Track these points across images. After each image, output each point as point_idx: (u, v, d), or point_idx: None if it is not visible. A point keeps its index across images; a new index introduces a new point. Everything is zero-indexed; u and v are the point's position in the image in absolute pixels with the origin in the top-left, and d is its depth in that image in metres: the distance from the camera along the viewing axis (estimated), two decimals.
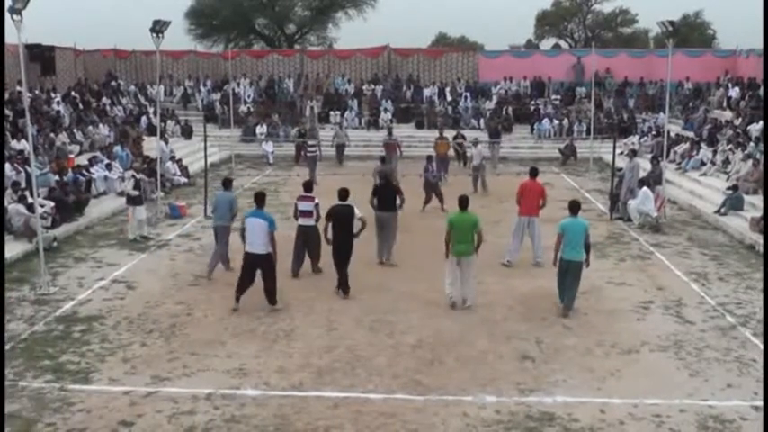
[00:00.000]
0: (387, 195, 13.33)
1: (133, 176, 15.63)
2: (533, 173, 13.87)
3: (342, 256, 11.49)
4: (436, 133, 24.88)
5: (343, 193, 11.78)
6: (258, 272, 10.74)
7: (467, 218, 10.89)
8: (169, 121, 29.91)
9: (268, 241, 10.54)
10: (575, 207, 10.86)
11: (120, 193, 19.30)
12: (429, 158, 19.07)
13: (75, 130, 23.74)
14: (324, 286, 11.93)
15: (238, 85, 33.78)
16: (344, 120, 32.31)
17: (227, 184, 13.34)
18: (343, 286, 11.52)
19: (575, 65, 34.68)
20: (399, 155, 23.37)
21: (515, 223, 13.53)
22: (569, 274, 10.60)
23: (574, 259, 10.52)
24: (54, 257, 13.61)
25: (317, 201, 12.51)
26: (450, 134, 26.15)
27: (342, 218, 11.46)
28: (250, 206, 12.23)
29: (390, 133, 25.05)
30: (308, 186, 12.83)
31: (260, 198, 11.02)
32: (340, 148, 27.23)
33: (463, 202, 11.01)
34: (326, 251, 12.17)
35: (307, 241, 12.58)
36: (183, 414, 7.69)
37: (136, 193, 15.31)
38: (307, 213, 12.42)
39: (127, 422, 7.51)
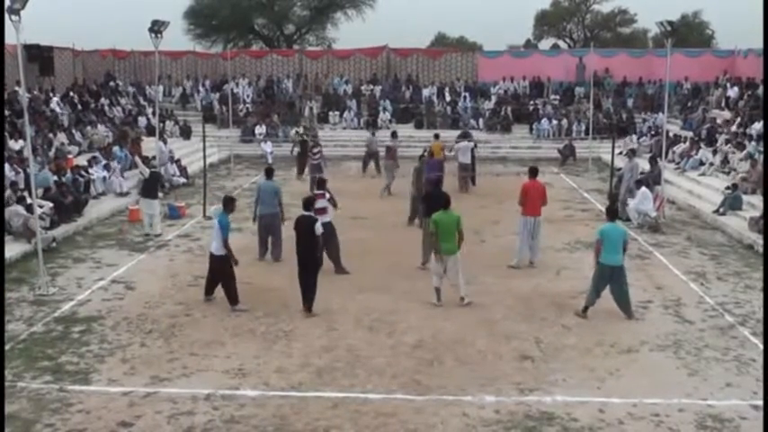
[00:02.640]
0: (436, 203, 12.66)
1: (152, 170, 16.07)
2: (534, 173, 13.59)
3: (303, 266, 10.72)
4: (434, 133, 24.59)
5: (307, 203, 11.18)
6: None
7: (450, 217, 11.04)
8: (168, 122, 29.91)
9: (221, 245, 10.77)
10: (613, 213, 10.98)
11: (120, 194, 19.35)
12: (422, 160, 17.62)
13: (73, 131, 23.73)
14: (323, 286, 11.90)
15: (237, 85, 33.78)
16: (343, 120, 32.30)
17: (269, 173, 14.05)
18: (306, 302, 10.70)
19: (577, 65, 34.69)
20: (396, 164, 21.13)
21: (521, 224, 13.26)
22: (614, 281, 10.55)
23: (616, 264, 10.48)
24: (53, 258, 13.60)
25: (328, 196, 12.59)
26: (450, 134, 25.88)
27: (302, 228, 10.73)
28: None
29: (395, 135, 22.82)
30: (321, 183, 12.92)
31: (225, 202, 11.32)
32: (373, 156, 24.34)
33: (446, 202, 11.23)
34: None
35: (326, 239, 12.29)
36: (182, 415, 7.68)
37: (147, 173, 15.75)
38: (320, 210, 12.19)
39: (126, 423, 7.50)
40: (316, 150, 21.22)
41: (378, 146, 24.31)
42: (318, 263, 11.04)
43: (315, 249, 10.73)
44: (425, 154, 18.94)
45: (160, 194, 17.66)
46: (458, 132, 27.38)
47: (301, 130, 26.79)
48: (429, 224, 12.75)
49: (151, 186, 15.68)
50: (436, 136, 23.19)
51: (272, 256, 13.54)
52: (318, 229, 10.68)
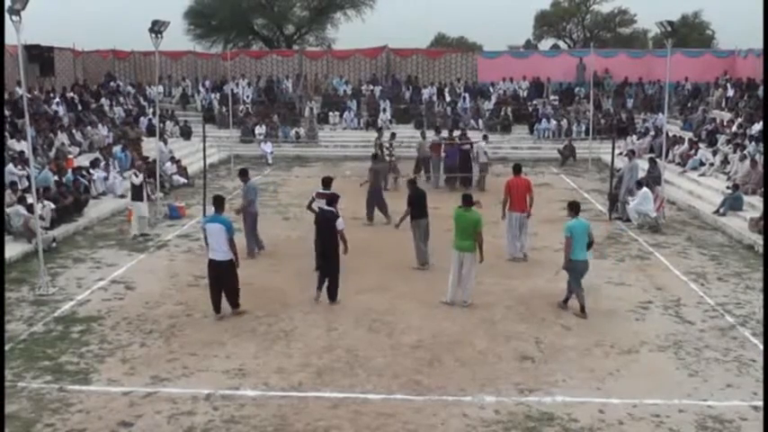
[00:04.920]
0: (418, 203, 13.24)
1: (134, 173, 15.82)
2: (517, 169, 14.08)
3: (323, 259, 11.15)
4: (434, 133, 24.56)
5: (330, 199, 11.57)
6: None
7: (468, 216, 11.01)
8: (168, 122, 29.88)
9: (229, 247, 10.32)
10: (576, 207, 11.04)
11: (121, 195, 19.33)
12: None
13: (74, 131, 23.73)
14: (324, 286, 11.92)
15: (237, 85, 33.77)
16: (343, 121, 32.30)
17: (246, 173, 14.35)
18: (330, 292, 11.14)
19: (577, 65, 34.67)
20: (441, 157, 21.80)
21: (507, 221, 13.78)
22: (583, 274, 10.75)
23: (585, 258, 10.76)
24: (53, 258, 13.60)
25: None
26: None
27: (322, 222, 11.20)
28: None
29: (439, 131, 23.51)
30: (326, 182, 12.94)
31: (219, 202, 10.78)
32: (425, 161, 22.65)
33: (466, 201, 11.17)
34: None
35: None
36: (182, 415, 7.69)
37: (138, 180, 15.54)
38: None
39: (126, 423, 7.51)
40: (391, 153, 21.86)
41: (429, 152, 22.53)
42: (338, 256, 11.24)
43: (335, 243, 11.03)
44: (379, 154, 20.62)
45: (153, 196, 17.65)
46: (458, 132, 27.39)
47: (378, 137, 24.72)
48: (415, 227, 12.93)
49: (138, 190, 15.51)
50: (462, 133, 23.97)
51: (258, 247, 13.98)
52: (340, 224, 11.03)
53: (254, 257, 13.67)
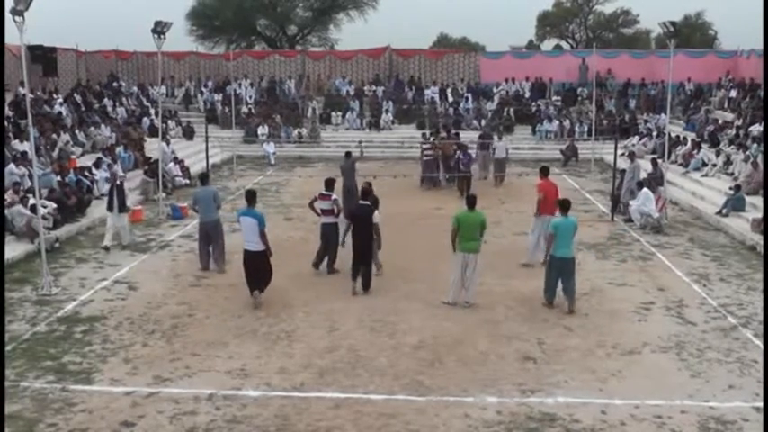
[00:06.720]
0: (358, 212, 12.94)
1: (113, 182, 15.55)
2: (546, 172, 13.70)
3: (358, 254, 11.53)
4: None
5: (365, 192, 11.97)
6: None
7: (474, 217, 11.00)
8: (171, 122, 29.92)
9: (260, 239, 10.80)
10: (566, 206, 11.12)
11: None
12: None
13: (77, 132, 23.77)
14: (325, 286, 11.95)
15: (240, 86, 33.80)
16: (345, 121, 32.32)
17: (205, 179, 13.99)
18: (365, 282, 11.64)
19: (580, 65, 34.66)
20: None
21: (534, 223, 13.32)
22: (565, 273, 10.82)
23: (567, 256, 10.82)
24: (56, 258, 13.63)
25: (334, 197, 12.63)
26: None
27: (358, 215, 11.58)
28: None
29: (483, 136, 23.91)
30: (329, 184, 12.77)
31: (250, 196, 11.24)
32: (501, 162, 22.97)
33: (471, 202, 11.18)
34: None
35: (327, 240, 12.66)
36: (184, 415, 7.70)
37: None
38: (327, 212, 12.56)
39: (128, 423, 7.52)
40: (426, 145, 22.03)
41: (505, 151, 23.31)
42: (372, 250, 11.67)
43: (371, 235, 11.38)
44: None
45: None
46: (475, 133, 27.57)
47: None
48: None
49: (109, 199, 15.01)
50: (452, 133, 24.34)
51: (216, 266, 13.00)
52: (376, 217, 11.36)
53: (207, 271, 12.92)
